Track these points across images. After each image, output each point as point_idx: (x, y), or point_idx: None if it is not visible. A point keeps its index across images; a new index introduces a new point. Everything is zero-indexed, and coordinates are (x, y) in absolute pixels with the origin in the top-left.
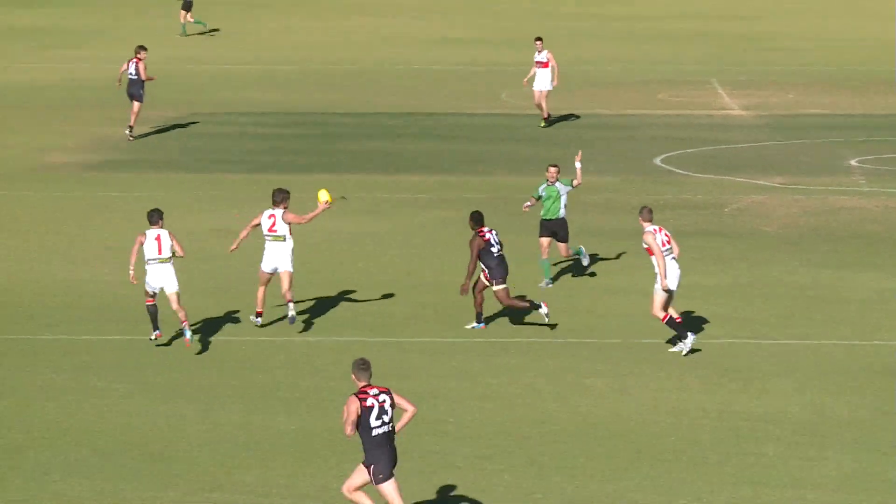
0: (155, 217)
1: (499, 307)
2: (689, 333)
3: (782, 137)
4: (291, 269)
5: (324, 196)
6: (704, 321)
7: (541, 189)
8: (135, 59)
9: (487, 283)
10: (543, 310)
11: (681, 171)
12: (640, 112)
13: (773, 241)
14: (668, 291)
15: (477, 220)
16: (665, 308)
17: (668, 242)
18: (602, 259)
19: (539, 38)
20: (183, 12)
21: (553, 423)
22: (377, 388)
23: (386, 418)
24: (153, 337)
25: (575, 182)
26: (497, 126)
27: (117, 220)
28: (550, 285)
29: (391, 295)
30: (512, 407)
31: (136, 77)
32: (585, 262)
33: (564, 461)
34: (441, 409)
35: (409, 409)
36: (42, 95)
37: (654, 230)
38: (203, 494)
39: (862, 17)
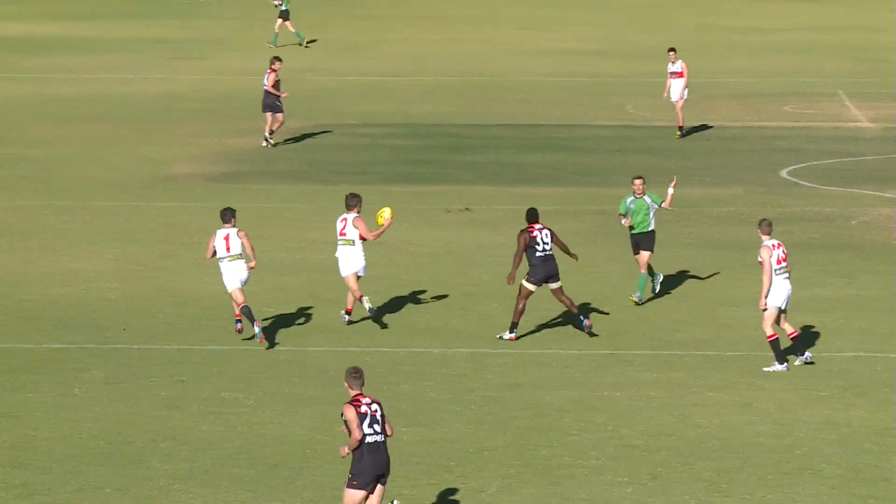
0: (227, 216)
1: (622, 321)
2: (784, 363)
3: None
4: (363, 273)
5: (387, 213)
6: (830, 334)
7: (628, 202)
8: (269, 71)
9: (531, 289)
10: (586, 324)
11: (807, 184)
12: (768, 124)
13: None
14: (779, 308)
15: (528, 216)
16: (778, 323)
17: (784, 259)
18: (726, 270)
19: (672, 49)
20: (280, 21)
21: (674, 436)
22: (369, 397)
23: (377, 427)
24: (256, 330)
25: (664, 204)
26: (622, 138)
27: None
28: (642, 300)
29: (512, 306)
30: (633, 419)
31: (267, 87)
32: (656, 288)
33: (686, 475)
34: (564, 420)
35: (388, 430)
36: (168, 106)
37: (772, 245)
38: None
39: None
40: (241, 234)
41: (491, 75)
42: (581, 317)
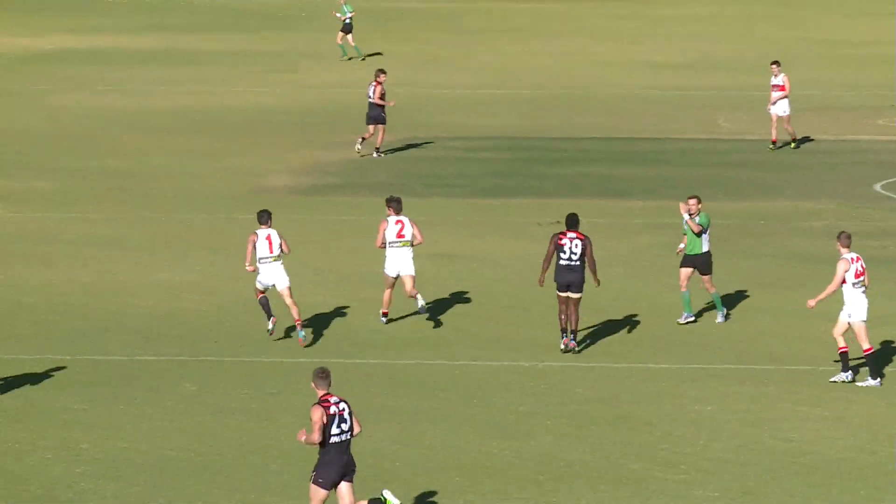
0: (265, 217)
1: (712, 334)
2: (848, 373)
3: None
4: (413, 273)
5: None
6: None
7: (685, 218)
8: (374, 83)
9: (558, 295)
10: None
11: None
12: (861, 137)
13: None
14: (863, 321)
15: (566, 222)
16: (856, 337)
17: (863, 273)
18: (817, 284)
19: (775, 62)
20: (341, 34)
21: (765, 450)
22: (337, 396)
23: (345, 426)
24: (270, 326)
25: (693, 226)
26: (713, 151)
27: (331, 244)
28: (692, 318)
29: (604, 320)
30: (724, 434)
31: (372, 100)
32: (720, 318)
33: (777, 490)
34: (654, 434)
35: (356, 428)
36: (260, 119)
37: (851, 259)
38: None
39: None
40: (279, 234)
41: (581, 88)
42: (570, 335)
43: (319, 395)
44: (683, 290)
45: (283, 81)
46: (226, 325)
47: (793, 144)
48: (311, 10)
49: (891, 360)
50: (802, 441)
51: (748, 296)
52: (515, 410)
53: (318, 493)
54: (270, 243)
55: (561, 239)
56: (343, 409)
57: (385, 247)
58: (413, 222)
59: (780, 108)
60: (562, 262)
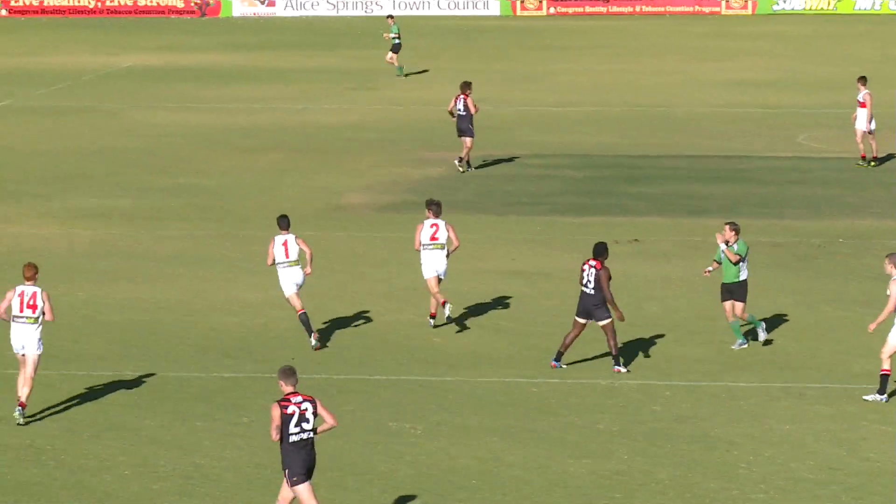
0: (284, 223)
1: (793, 353)
2: (884, 396)
3: None
4: (444, 276)
5: None
6: None
7: (721, 247)
8: (462, 96)
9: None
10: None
11: None
12: None
13: None
14: None
15: (595, 250)
16: None
17: None
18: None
19: (861, 78)
20: (391, 54)
21: (845, 470)
22: (301, 396)
23: (306, 426)
24: (313, 342)
25: (728, 254)
26: (797, 169)
27: (412, 261)
28: (745, 345)
29: (682, 338)
30: (803, 453)
31: (465, 113)
32: (762, 336)
33: None
34: (733, 453)
35: (330, 421)
36: (343, 136)
37: None
38: None
39: None
40: (300, 240)
41: (664, 106)
42: (557, 360)
43: (285, 393)
44: (731, 320)
45: (364, 99)
46: (306, 343)
47: (872, 163)
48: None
49: None
50: (883, 460)
51: (830, 314)
52: (593, 428)
53: (302, 488)
54: (287, 248)
55: (583, 266)
56: (305, 409)
57: (421, 249)
58: (450, 226)
59: (862, 124)
60: (581, 288)
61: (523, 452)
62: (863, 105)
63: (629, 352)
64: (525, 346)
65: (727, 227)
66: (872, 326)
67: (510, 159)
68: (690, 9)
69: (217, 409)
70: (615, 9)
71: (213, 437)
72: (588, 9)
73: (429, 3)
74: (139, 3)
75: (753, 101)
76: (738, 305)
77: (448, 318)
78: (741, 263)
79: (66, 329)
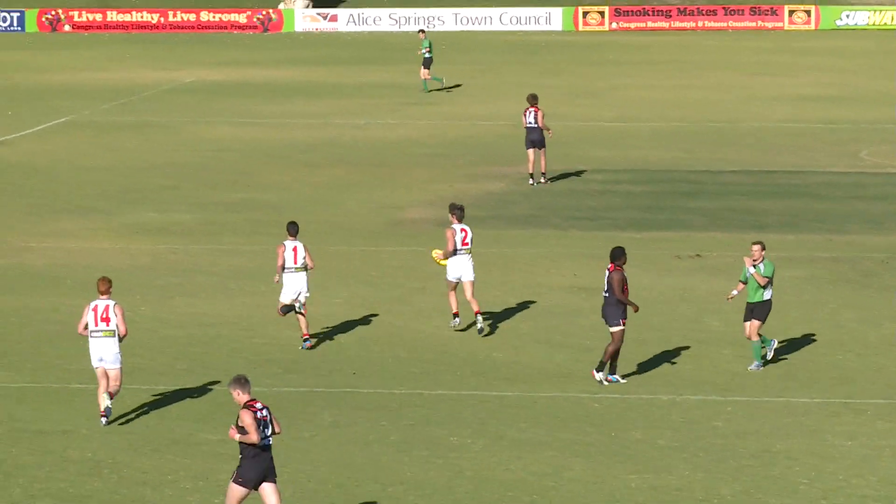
0: (293, 229)
1: (855, 368)
2: None
3: None
4: (473, 279)
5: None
6: None
7: (749, 270)
8: (533, 109)
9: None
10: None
11: None
12: None
13: None
14: None
15: (610, 254)
16: None
17: None
18: None
19: None
20: (423, 69)
21: None
22: (259, 402)
23: (268, 431)
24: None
25: (755, 274)
26: (857, 184)
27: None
28: (760, 368)
29: (743, 353)
30: (864, 469)
31: (535, 126)
32: (769, 354)
33: None
34: (794, 469)
35: (276, 429)
36: (401, 151)
37: None
38: None
39: None
40: (307, 253)
41: (724, 121)
42: (613, 373)
43: (245, 401)
44: (754, 339)
45: (423, 114)
46: (366, 358)
47: None
48: (450, 43)
49: None
50: None
51: (893, 330)
52: (653, 443)
53: (238, 492)
54: (296, 254)
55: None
56: (266, 415)
57: (455, 253)
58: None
59: None
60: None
61: (582, 467)
62: None
63: (691, 366)
64: (585, 362)
65: (756, 247)
66: None
67: (571, 174)
68: (753, 24)
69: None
70: (677, 24)
71: (274, 451)
72: (650, 24)
73: (491, 18)
74: (202, 19)
75: (815, 116)
76: (755, 324)
77: (480, 329)
78: (768, 284)
79: (126, 344)
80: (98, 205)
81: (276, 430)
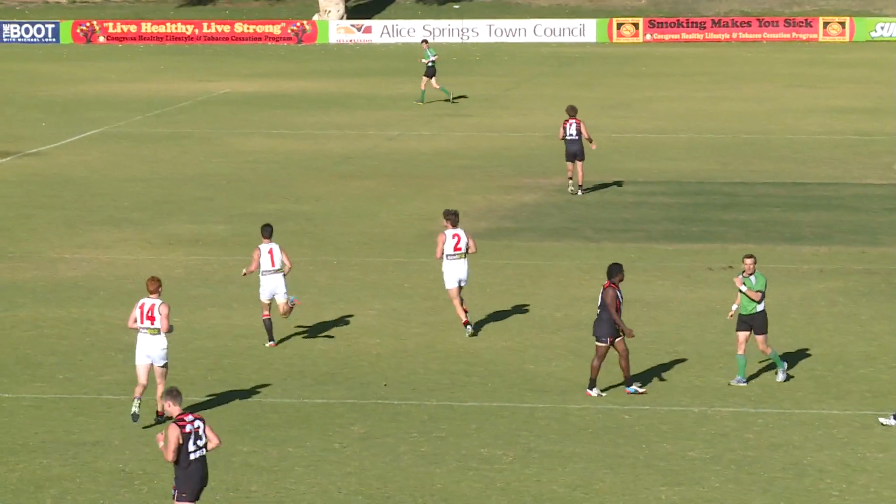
0: (267, 231)
1: (888, 380)
2: None
3: None
4: (466, 283)
5: None
6: None
7: (741, 289)
8: (574, 121)
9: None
10: (637, 389)
11: None
12: None
13: None
14: None
15: (607, 271)
16: None
17: None
18: None
19: None
20: (425, 79)
21: None
22: (192, 415)
23: (200, 443)
24: (268, 345)
25: (747, 291)
26: (890, 196)
27: (506, 286)
28: (743, 383)
29: (772, 365)
30: (895, 481)
31: (577, 137)
32: (780, 377)
33: None
34: (825, 482)
35: (215, 441)
36: (436, 163)
37: None
38: None
39: None
40: (284, 253)
41: (759, 133)
42: (628, 385)
43: (175, 415)
44: (740, 353)
45: (457, 125)
46: (398, 369)
47: None
48: (484, 55)
49: None
50: None
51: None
52: (685, 456)
53: None
54: (272, 257)
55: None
56: (198, 427)
57: (443, 258)
58: (469, 234)
59: None
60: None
61: (614, 479)
62: None
63: (722, 378)
64: (616, 374)
65: (749, 260)
66: None
67: (605, 186)
68: (787, 35)
69: (309, 434)
70: (712, 35)
71: (305, 462)
72: (684, 35)
73: (525, 30)
74: (236, 31)
75: (849, 128)
76: (759, 338)
77: (469, 332)
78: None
79: None
80: (132, 216)
81: (215, 442)
